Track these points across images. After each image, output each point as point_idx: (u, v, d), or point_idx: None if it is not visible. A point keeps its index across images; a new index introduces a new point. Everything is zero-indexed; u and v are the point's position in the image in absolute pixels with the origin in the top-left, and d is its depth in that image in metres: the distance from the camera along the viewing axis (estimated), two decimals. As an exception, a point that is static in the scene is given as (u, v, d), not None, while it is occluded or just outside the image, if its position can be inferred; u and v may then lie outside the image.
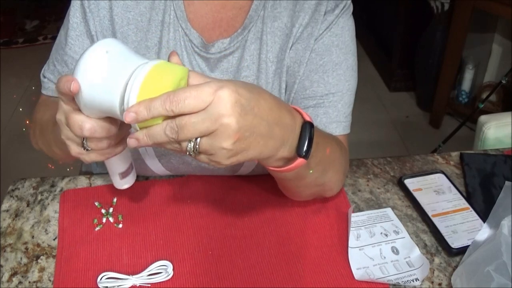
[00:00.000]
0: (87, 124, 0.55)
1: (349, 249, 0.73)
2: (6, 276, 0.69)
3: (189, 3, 0.76)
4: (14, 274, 0.70)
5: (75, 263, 0.71)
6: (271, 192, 0.83)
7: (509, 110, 1.34)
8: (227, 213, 0.80)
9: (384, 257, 0.73)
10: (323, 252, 0.74)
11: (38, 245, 0.74)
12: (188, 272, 0.70)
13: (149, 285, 0.68)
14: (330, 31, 0.77)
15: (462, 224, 0.78)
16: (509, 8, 1.94)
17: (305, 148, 0.59)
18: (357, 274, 0.70)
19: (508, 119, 1.23)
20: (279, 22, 0.77)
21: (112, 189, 0.83)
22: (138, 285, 0.68)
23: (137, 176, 0.86)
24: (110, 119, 0.57)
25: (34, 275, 0.70)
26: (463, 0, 2.11)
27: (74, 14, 0.77)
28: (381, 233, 0.77)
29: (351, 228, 0.76)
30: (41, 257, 0.72)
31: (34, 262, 0.72)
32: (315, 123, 0.78)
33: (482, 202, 0.84)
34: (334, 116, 0.78)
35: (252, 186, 0.84)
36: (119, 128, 0.59)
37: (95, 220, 0.77)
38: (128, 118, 0.50)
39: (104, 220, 0.78)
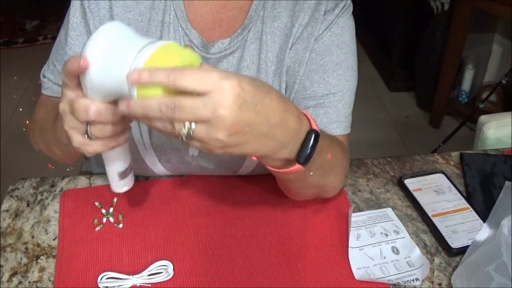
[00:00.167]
0: (93, 107, 0.55)
1: (349, 249, 0.73)
2: (6, 276, 0.69)
3: (189, 3, 0.76)
4: (14, 274, 0.70)
5: (75, 263, 0.71)
6: (271, 192, 0.83)
7: (509, 110, 1.34)
8: (227, 213, 0.80)
9: (384, 257, 0.73)
10: (323, 252, 0.74)
11: (38, 245, 0.74)
12: (188, 272, 0.70)
13: (150, 285, 0.68)
14: (330, 31, 0.77)
15: (462, 224, 0.78)
16: (509, 8, 1.94)
17: (305, 156, 0.59)
18: (357, 274, 0.70)
19: (508, 119, 1.23)
20: (279, 22, 0.77)
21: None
22: (138, 285, 0.68)
23: (137, 176, 0.86)
24: (115, 104, 0.56)
25: (34, 275, 0.70)
26: (463, 0, 2.11)
27: (74, 14, 0.77)
28: (381, 233, 0.77)
29: (351, 228, 0.76)
30: (41, 257, 0.72)
31: (34, 262, 0.72)
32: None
33: (482, 202, 0.84)
34: (335, 116, 0.78)
35: (252, 186, 0.84)
36: (122, 118, 0.58)
37: (95, 220, 0.77)
38: (130, 76, 0.50)
39: (104, 220, 0.78)
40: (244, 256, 0.73)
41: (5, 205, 0.81)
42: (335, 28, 0.77)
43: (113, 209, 0.79)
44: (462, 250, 0.73)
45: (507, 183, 0.85)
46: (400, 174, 0.89)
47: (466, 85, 2.42)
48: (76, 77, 0.55)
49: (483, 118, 1.26)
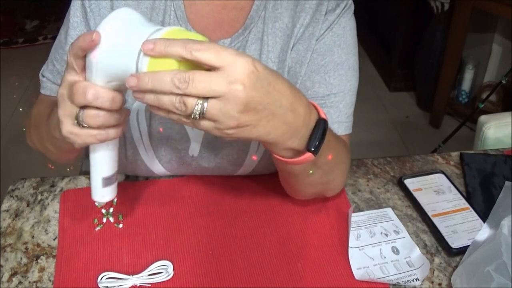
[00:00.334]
0: (91, 89, 0.53)
1: (349, 249, 0.73)
2: (6, 276, 0.69)
3: (190, 3, 0.76)
4: (14, 274, 0.70)
5: (75, 263, 0.71)
6: (271, 192, 0.83)
7: (509, 110, 1.34)
8: (227, 213, 0.80)
9: (384, 257, 0.73)
10: (323, 252, 0.74)
11: (38, 245, 0.74)
12: (188, 272, 0.70)
13: (150, 285, 0.68)
14: (332, 31, 0.77)
15: (462, 224, 0.78)
16: (509, 8, 1.94)
17: (316, 143, 0.58)
18: (357, 274, 0.70)
19: (508, 119, 1.23)
20: (280, 22, 0.77)
21: (112, 189, 0.83)
22: (138, 285, 0.68)
23: (137, 176, 0.86)
24: (114, 92, 0.55)
25: (34, 275, 0.70)
26: (463, 0, 2.11)
27: (74, 13, 0.77)
28: (381, 233, 0.77)
29: (351, 228, 0.76)
30: (41, 257, 0.72)
31: (34, 262, 0.72)
32: None
33: (482, 202, 0.83)
34: (336, 116, 0.78)
35: (252, 186, 0.84)
36: (117, 109, 0.56)
37: (95, 220, 0.77)
38: (145, 46, 0.49)
39: (104, 220, 0.78)
40: (244, 256, 0.73)
41: (5, 205, 0.81)
42: (337, 28, 0.77)
43: (113, 209, 0.79)
44: (462, 250, 0.73)
45: (507, 183, 0.85)
46: (400, 174, 0.89)
47: (466, 85, 2.42)
48: (82, 58, 0.54)
49: (483, 118, 1.26)
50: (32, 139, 0.79)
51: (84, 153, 1.05)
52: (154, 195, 0.83)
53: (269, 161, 0.83)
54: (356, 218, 0.79)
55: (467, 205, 0.82)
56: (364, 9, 2.90)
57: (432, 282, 0.70)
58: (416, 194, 0.83)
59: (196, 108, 0.49)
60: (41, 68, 0.83)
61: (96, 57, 0.53)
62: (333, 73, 0.77)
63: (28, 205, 0.81)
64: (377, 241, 0.75)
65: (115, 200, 0.81)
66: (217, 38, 0.77)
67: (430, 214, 0.80)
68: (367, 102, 2.56)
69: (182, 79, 0.48)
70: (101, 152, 0.62)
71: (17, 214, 0.79)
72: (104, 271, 0.69)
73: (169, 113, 0.52)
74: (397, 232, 0.77)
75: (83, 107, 0.55)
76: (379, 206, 0.83)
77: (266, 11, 0.76)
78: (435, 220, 0.79)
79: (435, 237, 0.77)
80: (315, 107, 0.61)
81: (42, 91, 0.83)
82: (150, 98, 0.51)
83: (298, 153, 0.60)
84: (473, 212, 0.80)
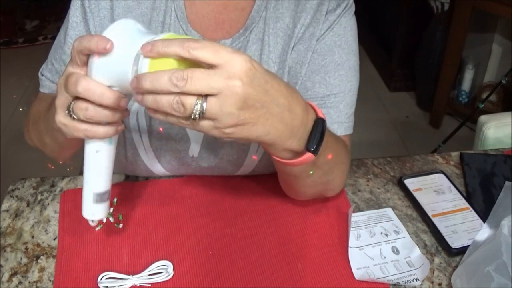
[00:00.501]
0: (84, 81, 0.53)
1: (349, 249, 0.73)
2: (6, 276, 0.69)
3: (190, 4, 0.76)
4: (14, 274, 0.70)
5: (75, 263, 0.71)
6: (271, 192, 0.83)
7: (509, 110, 1.34)
8: (227, 213, 0.80)
9: (384, 257, 0.73)
10: (323, 252, 0.74)
11: (38, 245, 0.74)
12: (188, 272, 0.70)
13: (150, 285, 0.68)
14: (332, 31, 0.77)
15: (462, 224, 0.78)
16: (509, 8, 1.94)
17: (315, 143, 0.58)
18: (357, 274, 0.70)
19: (508, 119, 1.23)
20: (281, 23, 0.77)
21: (112, 189, 0.83)
22: (138, 285, 0.68)
23: (137, 176, 0.86)
24: (110, 90, 0.55)
25: (34, 275, 0.70)
26: (463, 0, 2.11)
27: (74, 13, 0.77)
28: (381, 233, 0.77)
29: (351, 228, 0.76)
30: (41, 257, 0.72)
31: (34, 262, 0.72)
32: None
33: (482, 202, 0.84)
34: (336, 117, 0.78)
35: (252, 186, 0.84)
36: (111, 107, 0.55)
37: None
38: (144, 48, 0.50)
39: (104, 220, 0.77)
40: (244, 256, 0.73)
41: (5, 205, 0.81)
42: (337, 28, 0.77)
43: (113, 209, 0.79)
44: (462, 250, 0.73)
45: (507, 183, 0.85)
46: (400, 174, 0.89)
47: (466, 85, 2.42)
48: (86, 55, 0.55)
49: (483, 118, 1.26)
50: (30, 136, 0.79)
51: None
52: (154, 195, 0.83)
53: (269, 161, 0.83)
54: (356, 218, 0.79)
55: (467, 205, 0.82)
56: (364, 9, 2.90)
57: (432, 282, 0.70)
58: (416, 194, 0.83)
59: (195, 108, 0.49)
60: (40, 68, 0.83)
61: (96, 62, 0.54)
62: (334, 74, 0.77)
63: (28, 205, 0.81)
64: (377, 241, 0.75)
65: (115, 200, 0.81)
66: (218, 38, 0.77)
67: (430, 214, 0.80)
68: (367, 102, 2.56)
69: (180, 77, 0.48)
70: (95, 165, 0.61)
71: (17, 214, 0.79)
72: (104, 271, 0.69)
73: (167, 116, 0.51)
74: (397, 232, 0.77)
75: (76, 98, 0.55)
76: (379, 206, 0.83)
77: (267, 11, 0.76)
78: (435, 220, 0.79)
79: (435, 237, 0.77)
80: (312, 107, 0.61)
81: (41, 90, 0.83)
82: (149, 100, 0.51)
83: (297, 154, 0.60)
84: (473, 212, 0.80)
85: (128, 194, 0.82)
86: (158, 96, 0.50)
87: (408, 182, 0.86)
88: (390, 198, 0.84)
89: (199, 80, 0.48)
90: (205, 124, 0.51)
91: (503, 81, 1.93)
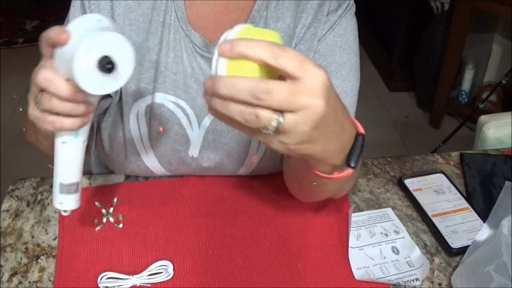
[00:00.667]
0: (43, 72, 0.54)
1: (349, 249, 0.73)
2: (6, 276, 0.69)
3: (190, 4, 0.76)
4: (14, 274, 0.70)
5: (75, 263, 0.71)
6: (271, 192, 0.83)
7: (509, 110, 1.34)
8: (227, 213, 0.80)
9: (384, 257, 0.73)
10: (323, 252, 0.74)
11: (38, 245, 0.74)
12: (188, 272, 0.70)
13: (150, 285, 0.68)
14: (333, 32, 0.77)
15: (462, 224, 0.78)
16: (509, 8, 1.94)
17: (356, 159, 0.57)
18: (357, 274, 0.70)
19: (508, 119, 1.23)
20: (282, 23, 0.77)
21: (112, 189, 0.83)
22: (138, 285, 0.68)
23: (137, 176, 0.86)
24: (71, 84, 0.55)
25: (34, 275, 0.70)
26: (463, 0, 2.11)
27: (74, 14, 0.77)
28: (381, 233, 0.77)
29: (351, 228, 0.76)
30: (41, 257, 0.72)
31: (34, 262, 0.72)
32: None
33: (482, 202, 0.84)
34: None
35: (252, 186, 0.84)
36: (72, 102, 0.56)
37: (96, 220, 0.77)
38: (222, 47, 0.46)
39: (104, 220, 0.78)
40: (244, 256, 0.73)
41: (5, 205, 0.81)
42: (338, 28, 0.77)
43: (113, 209, 0.79)
44: (462, 250, 0.73)
45: (507, 183, 0.85)
46: (400, 174, 0.89)
47: (466, 85, 2.42)
48: (51, 48, 0.55)
49: (483, 118, 1.26)
50: (29, 135, 0.79)
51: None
52: (154, 195, 0.83)
53: (270, 161, 0.83)
54: (356, 218, 0.79)
55: (467, 205, 0.82)
56: (364, 9, 2.90)
57: (432, 282, 0.70)
58: (416, 194, 0.83)
59: (271, 124, 0.45)
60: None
61: (55, 54, 0.54)
62: (335, 74, 0.77)
63: (28, 205, 0.81)
64: (377, 241, 0.75)
65: (115, 200, 0.81)
66: (218, 39, 0.77)
67: (430, 214, 0.80)
68: (367, 102, 2.56)
69: (264, 90, 0.44)
70: (61, 156, 0.61)
71: (17, 214, 0.79)
72: (104, 271, 0.69)
73: (233, 122, 0.47)
74: (397, 232, 0.77)
75: (42, 90, 0.56)
76: (379, 206, 0.83)
77: (267, 11, 0.76)
78: (435, 220, 0.79)
79: (435, 237, 0.77)
80: (354, 122, 0.59)
81: None
82: (218, 104, 0.46)
83: (337, 168, 0.58)
84: (473, 212, 0.80)
85: (128, 194, 0.82)
86: (231, 104, 0.46)
87: (408, 182, 0.86)
88: (390, 198, 0.84)
89: (283, 95, 0.44)
90: (272, 138, 0.48)
91: (503, 81, 1.93)
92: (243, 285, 0.69)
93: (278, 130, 0.46)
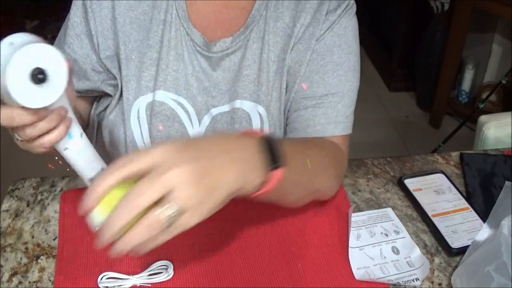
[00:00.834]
0: (2, 110, 0.53)
1: (350, 249, 0.73)
2: (6, 276, 0.69)
3: (191, 2, 0.76)
4: (14, 274, 0.70)
5: (75, 263, 0.71)
6: (271, 192, 0.83)
7: (509, 110, 1.34)
8: (227, 213, 0.80)
9: (385, 257, 0.73)
10: (323, 252, 0.74)
11: (38, 245, 0.74)
12: (188, 272, 0.70)
13: (150, 285, 0.68)
14: (332, 31, 0.77)
15: (462, 224, 0.78)
16: (509, 8, 1.94)
17: (272, 161, 0.56)
18: (358, 274, 0.70)
19: (508, 119, 1.23)
20: (281, 22, 0.77)
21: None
22: (138, 285, 0.68)
23: (137, 176, 0.86)
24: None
25: (34, 275, 0.70)
26: (463, 0, 2.11)
27: (75, 13, 0.77)
28: (382, 233, 0.77)
29: (352, 228, 0.76)
30: (41, 257, 0.72)
31: (34, 262, 0.72)
32: (313, 123, 0.77)
33: (482, 202, 0.84)
34: (333, 116, 0.78)
35: (252, 186, 0.84)
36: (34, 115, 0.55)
37: (95, 220, 0.77)
38: (83, 208, 0.50)
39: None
40: (244, 256, 0.73)
41: (5, 205, 0.81)
42: (337, 28, 0.77)
43: (113, 209, 0.79)
44: (462, 250, 0.73)
45: (507, 183, 0.85)
46: (400, 174, 0.89)
47: (466, 85, 2.43)
48: None
49: (483, 118, 1.27)
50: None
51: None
52: (154, 195, 0.83)
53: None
54: (356, 218, 0.79)
55: (467, 205, 0.82)
56: (364, 9, 2.90)
57: (432, 282, 0.70)
58: (416, 194, 0.83)
59: (165, 215, 0.47)
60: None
61: None
62: (332, 73, 0.77)
63: (28, 205, 0.81)
64: (377, 241, 0.75)
65: (115, 200, 0.81)
66: (218, 37, 0.77)
67: (430, 214, 0.80)
68: (367, 102, 2.56)
69: (136, 195, 0.47)
70: (72, 160, 0.62)
71: (17, 214, 0.79)
72: (104, 271, 0.69)
73: (144, 243, 0.49)
74: (397, 232, 0.77)
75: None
76: (379, 206, 0.83)
77: (267, 11, 0.77)
78: (435, 220, 0.79)
79: (435, 237, 0.77)
80: (250, 133, 0.59)
81: None
82: (122, 245, 0.49)
83: (265, 182, 0.57)
84: (473, 212, 0.80)
85: (128, 194, 0.82)
86: (128, 236, 0.48)
87: (408, 182, 0.86)
88: (390, 198, 0.85)
89: (147, 193, 0.46)
90: (183, 220, 0.49)
91: (503, 81, 1.93)
92: (243, 285, 0.69)
93: (178, 212, 0.48)
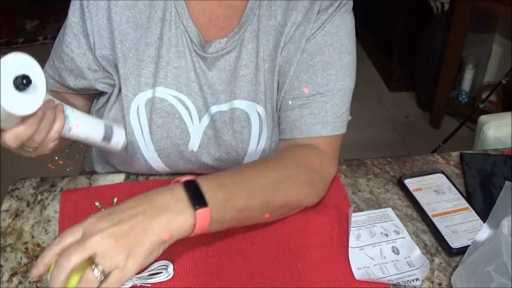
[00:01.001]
0: (2, 139, 0.60)
1: (350, 249, 0.73)
2: (6, 276, 0.69)
3: (187, 3, 0.77)
4: (14, 274, 0.70)
5: (75, 263, 0.71)
6: (271, 192, 0.83)
7: (509, 110, 1.34)
8: (227, 213, 0.80)
9: (385, 257, 0.73)
10: (323, 252, 0.74)
11: (38, 245, 0.74)
12: (188, 272, 0.70)
13: (150, 285, 0.68)
14: (324, 30, 0.77)
15: (462, 224, 0.78)
16: (509, 8, 1.94)
17: (195, 202, 0.61)
18: (358, 274, 0.70)
19: (508, 119, 1.23)
20: (273, 20, 0.77)
21: (112, 189, 0.83)
22: (138, 285, 0.68)
23: (137, 176, 0.86)
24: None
25: (34, 275, 0.70)
26: (463, 0, 2.11)
27: (73, 13, 0.77)
28: (382, 233, 0.77)
29: (352, 228, 0.76)
30: (41, 257, 0.72)
31: (34, 262, 0.72)
32: (299, 124, 0.77)
33: (482, 202, 0.84)
34: (321, 117, 0.77)
35: (252, 186, 0.84)
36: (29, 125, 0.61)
37: (95, 220, 0.77)
38: None
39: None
40: (244, 256, 0.73)
41: (5, 205, 0.81)
42: (329, 27, 0.77)
43: (113, 209, 0.79)
44: (462, 250, 0.73)
45: (507, 183, 0.85)
46: (400, 174, 0.89)
47: (466, 85, 2.42)
48: None
49: (483, 118, 1.26)
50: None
51: (84, 150, 1.05)
52: (154, 195, 0.83)
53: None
54: (356, 218, 0.79)
55: (467, 205, 0.82)
56: (364, 8, 2.90)
57: (432, 282, 0.70)
58: (416, 194, 0.83)
59: (95, 272, 0.55)
60: (42, 66, 0.84)
61: None
62: (322, 73, 0.77)
63: (28, 205, 0.81)
64: (377, 241, 0.75)
65: (115, 200, 0.81)
66: (213, 37, 0.77)
67: (430, 214, 0.80)
68: (367, 102, 2.56)
69: (63, 268, 0.55)
70: (79, 134, 0.69)
71: (17, 214, 0.79)
72: (104, 271, 0.69)
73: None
74: (397, 232, 0.77)
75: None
76: (379, 206, 0.83)
77: (260, 9, 0.77)
78: (435, 220, 0.79)
79: (435, 237, 0.77)
80: (179, 180, 0.64)
81: None
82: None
83: (196, 222, 0.62)
84: (473, 212, 0.80)
85: (128, 194, 0.82)
86: None
87: (408, 182, 0.86)
88: (390, 198, 0.84)
89: (72, 256, 0.54)
90: (114, 276, 0.56)
91: (503, 81, 1.93)
92: (243, 285, 0.69)
93: (102, 271, 0.55)
